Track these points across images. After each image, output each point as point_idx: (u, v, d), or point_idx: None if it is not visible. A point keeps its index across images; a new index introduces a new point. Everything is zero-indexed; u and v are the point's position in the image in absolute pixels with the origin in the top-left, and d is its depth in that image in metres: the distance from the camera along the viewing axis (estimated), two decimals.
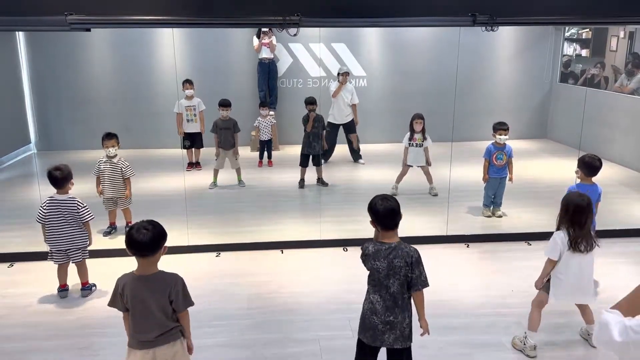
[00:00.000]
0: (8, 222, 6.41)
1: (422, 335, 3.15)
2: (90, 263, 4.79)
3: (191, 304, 3.01)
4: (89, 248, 4.75)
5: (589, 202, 3.68)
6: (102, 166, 5.77)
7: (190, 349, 3.09)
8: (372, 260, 3.05)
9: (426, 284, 3.06)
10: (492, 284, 4.87)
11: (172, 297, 2.91)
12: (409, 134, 7.15)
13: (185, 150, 8.51)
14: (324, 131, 7.83)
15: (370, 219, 3.12)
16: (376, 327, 3.07)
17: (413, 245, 3.09)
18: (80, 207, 4.58)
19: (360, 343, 3.21)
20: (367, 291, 3.15)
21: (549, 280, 3.82)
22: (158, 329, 2.90)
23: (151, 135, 9.93)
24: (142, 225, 2.87)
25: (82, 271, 4.72)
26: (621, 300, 1.93)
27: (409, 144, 7.15)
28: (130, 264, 3.00)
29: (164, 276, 2.96)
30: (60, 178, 4.53)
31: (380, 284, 3.05)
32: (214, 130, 7.68)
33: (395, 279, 3.00)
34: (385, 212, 3.01)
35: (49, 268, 4.74)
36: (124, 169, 5.79)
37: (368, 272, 3.13)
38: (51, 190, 4.64)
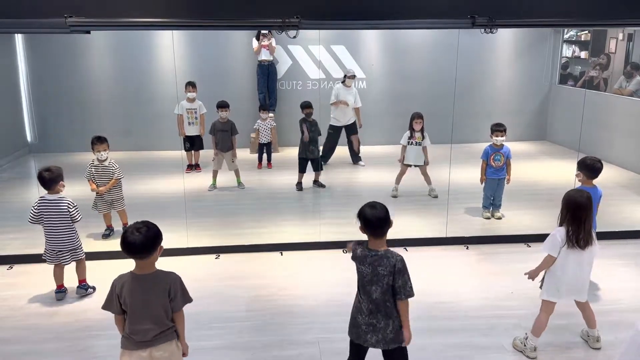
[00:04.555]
0: (7, 224, 6.39)
1: (402, 345, 3.13)
2: (88, 265, 4.79)
3: (189, 300, 3.03)
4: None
5: (588, 198, 3.66)
6: (93, 169, 5.76)
7: (184, 352, 3.07)
8: (359, 264, 3.11)
9: (411, 294, 3.04)
10: (491, 286, 4.87)
11: (172, 295, 2.92)
12: (408, 132, 7.16)
13: (185, 152, 8.51)
14: (319, 136, 7.77)
15: (359, 225, 3.13)
16: (360, 326, 3.13)
17: (400, 253, 3.08)
18: (71, 207, 4.58)
19: (350, 340, 3.27)
20: (357, 289, 3.20)
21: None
22: (156, 328, 2.90)
23: (150, 138, 9.92)
24: (135, 227, 2.85)
25: (80, 269, 4.73)
26: None
27: (409, 142, 7.16)
28: (128, 266, 2.99)
29: (162, 275, 2.96)
30: (48, 179, 4.52)
31: (364, 288, 3.09)
32: (212, 132, 7.67)
33: (377, 286, 3.02)
34: (373, 220, 3.04)
35: (48, 270, 4.73)
36: (113, 170, 5.79)
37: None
38: None
